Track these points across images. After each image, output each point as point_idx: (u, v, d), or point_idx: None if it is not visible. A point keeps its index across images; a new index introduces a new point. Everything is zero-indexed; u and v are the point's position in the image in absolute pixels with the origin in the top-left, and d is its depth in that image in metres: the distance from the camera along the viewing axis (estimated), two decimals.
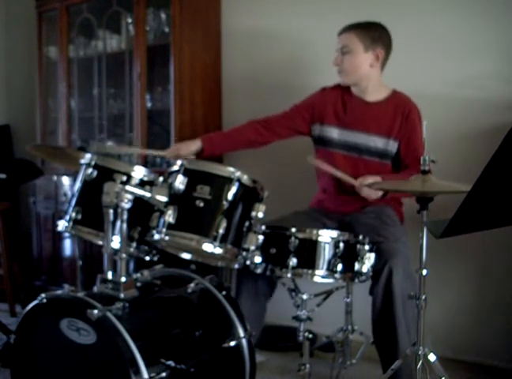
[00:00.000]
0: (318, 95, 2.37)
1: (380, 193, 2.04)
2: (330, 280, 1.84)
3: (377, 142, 2.22)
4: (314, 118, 2.34)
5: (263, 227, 1.81)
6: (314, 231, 1.82)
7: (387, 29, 2.25)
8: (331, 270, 1.80)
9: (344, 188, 2.24)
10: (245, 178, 1.74)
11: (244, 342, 1.76)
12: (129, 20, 3.08)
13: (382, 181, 2.00)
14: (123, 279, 1.63)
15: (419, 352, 1.74)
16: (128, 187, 1.63)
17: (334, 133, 2.28)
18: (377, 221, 2.13)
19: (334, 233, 1.83)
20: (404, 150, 2.21)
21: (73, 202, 1.83)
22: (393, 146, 2.22)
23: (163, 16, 2.98)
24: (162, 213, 1.70)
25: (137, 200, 1.66)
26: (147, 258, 1.88)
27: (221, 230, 1.68)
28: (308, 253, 1.80)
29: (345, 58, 2.22)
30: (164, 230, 1.68)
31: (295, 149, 2.61)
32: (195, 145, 2.32)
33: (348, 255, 1.83)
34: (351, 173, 2.22)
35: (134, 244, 1.81)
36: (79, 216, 1.80)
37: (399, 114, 2.21)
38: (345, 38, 2.22)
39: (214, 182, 1.71)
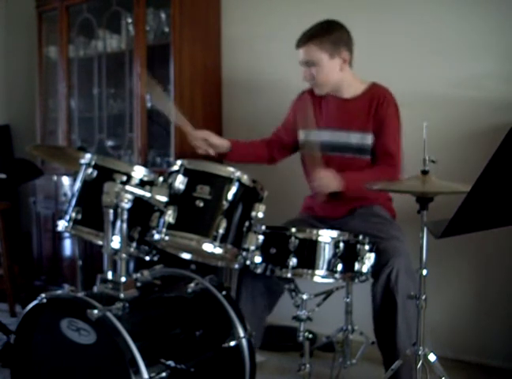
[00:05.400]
0: (297, 102, 2.36)
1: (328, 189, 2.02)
2: (330, 280, 1.84)
3: (357, 138, 2.18)
4: (298, 126, 2.32)
5: (263, 227, 1.81)
6: (314, 231, 1.82)
7: (343, 25, 2.18)
8: (331, 270, 1.80)
9: (334, 192, 2.23)
10: (245, 178, 1.74)
11: (244, 342, 1.75)
12: (129, 20, 3.08)
13: (363, 181, 1.89)
14: (123, 279, 1.62)
15: (419, 352, 1.74)
16: (128, 187, 1.63)
17: (315, 135, 2.25)
18: (366, 223, 2.12)
19: (334, 233, 1.83)
20: (374, 142, 2.16)
21: (73, 202, 1.82)
22: (368, 139, 2.16)
23: (163, 16, 2.98)
24: (162, 213, 1.69)
25: (137, 200, 1.66)
26: (147, 258, 1.88)
27: (221, 230, 1.68)
28: (308, 253, 1.80)
29: (314, 71, 2.17)
30: (164, 230, 1.68)
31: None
32: (225, 142, 2.31)
33: (348, 255, 1.83)
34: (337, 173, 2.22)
35: (134, 244, 1.81)
36: (79, 216, 1.80)
37: (373, 106, 2.16)
38: (306, 51, 2.16)
39: (214, 182, 1.71)
